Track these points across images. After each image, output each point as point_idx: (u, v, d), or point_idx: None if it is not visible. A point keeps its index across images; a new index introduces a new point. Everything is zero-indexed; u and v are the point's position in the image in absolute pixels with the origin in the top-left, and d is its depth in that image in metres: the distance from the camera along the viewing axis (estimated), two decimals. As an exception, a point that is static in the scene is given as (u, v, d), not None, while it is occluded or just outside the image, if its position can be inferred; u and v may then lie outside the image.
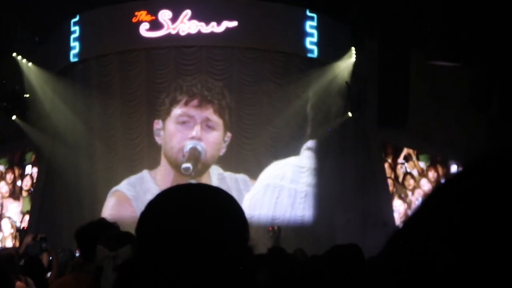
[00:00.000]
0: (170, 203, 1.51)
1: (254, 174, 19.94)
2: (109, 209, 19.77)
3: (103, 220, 4.44)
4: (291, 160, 20.00)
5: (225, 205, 1.52)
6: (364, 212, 20.16)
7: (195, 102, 19.71)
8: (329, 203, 19.89)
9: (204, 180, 19.53)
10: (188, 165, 19.34)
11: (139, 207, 19.72)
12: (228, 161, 19.87)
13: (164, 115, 19.83)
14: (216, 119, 19.72)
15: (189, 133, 19.49)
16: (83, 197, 20.22)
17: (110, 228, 4.20)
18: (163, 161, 19.86)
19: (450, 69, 19.34)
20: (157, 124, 19.87)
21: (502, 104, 18.83)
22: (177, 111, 19.72)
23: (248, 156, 19.99)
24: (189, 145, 19.49)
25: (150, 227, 1.49)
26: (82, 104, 20.63)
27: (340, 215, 19.58)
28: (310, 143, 20.26)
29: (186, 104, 19.73)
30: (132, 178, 19.99)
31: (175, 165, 19.52)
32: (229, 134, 19.85)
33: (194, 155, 19.42)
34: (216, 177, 19.71)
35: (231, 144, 19.95)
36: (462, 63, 18.88)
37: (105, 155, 20.33)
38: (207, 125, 19.68)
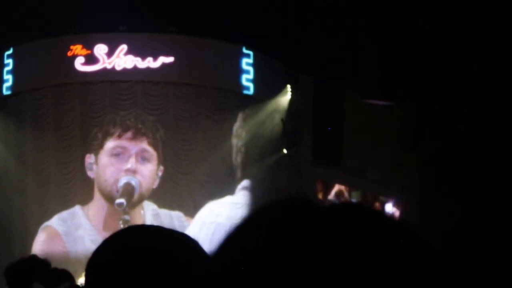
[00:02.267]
0: (122, 251, 1.46)
1: (188, 210, 19.82)
2: (39, 245, 19.39)
3: (35, 257, 4.33)
4: (226, 199, 19.96)
5: (185, 248, 1.48)
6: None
7: (129, 134, 19.58)
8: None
9: (137, 215, 19.36)
10: (122, 200, 19.14)
11: (70, 242, 19.43)
12: (163, 197, 19.73)
13: (96, 149, 19.62)
14: (151, 151, 19.61)
15: (123, 165, 19.31)
16: (13, 232, 19.83)
17: (42, 265, 4.09)
18: (96, 196, 19.62)
19: (385, 108, 19.66)
20: (89, 158, 19.64)
21: (434, 144, 19.19)
22: (110, 144, 19.54)
23: (182, 192, 19.90)
24: (123, 180, 19.31)
25: (98, 276, 1.45)
26: (14, 137, 20.29)
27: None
28: (244, 182, 20.25)
29: (119, 136, 19.58)
30: (64, 213, 19.69)
31: (109, 199, 19.31)
32: (161, 168, 19.73)
33: (128, 190, 19.23)
34: (150, 213, 19.55)
35: (165, 179, 19.82)
36: (396, 102, 19.20)
37: (37, 190, 19.99)
38: (142, 157, 19.54)
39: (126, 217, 19.20)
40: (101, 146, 19.61)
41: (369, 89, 19.17)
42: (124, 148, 19.50)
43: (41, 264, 4.10)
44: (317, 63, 19.68)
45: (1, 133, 20.42)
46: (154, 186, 19.67)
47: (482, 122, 18.19)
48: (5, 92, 20.66)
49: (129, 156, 19.39)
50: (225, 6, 18.74)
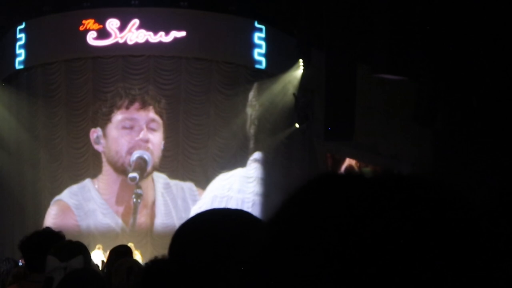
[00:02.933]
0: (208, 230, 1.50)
1: (201, 184, 19.91)
2: (52, 218, 19.55)
3: (49, 230, 4.33)
4: (238, 172, 20.00)
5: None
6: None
7: (136, 105, 19.65)
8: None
9: (149, 188, 19.46)
10: (134, 174, 19.27)
11: (81, 216, 19.57)
12: (175, 171, 19.81)
13: (104, 122, 19.70)
14: (158, 120, 19.72)
15: (134, 136, 19.43)
16: (27, 206, 19.96)
17: (56, 238, 4.11)
18: (106, 169, 19.73)
19: (397, 83, 19.57)
20: (95, 132, 19.74)
21: (446, 119, 19.11)
22: (118, 116, 19.61)
23: (195, 166, 19.97)
24: (135, 154, 19.41)
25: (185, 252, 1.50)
26: (26, 112, 20.39)
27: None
28: (256, 155, 20.28)
29: (127, 108, 19.65)
30: (74, 187, 19.81)
31: (122, 171, 19.46)
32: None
33: (141, 164, 19.33)
34: (161, 185, 19.64)
35: (177, 153, 19.90)
36: (408, 77, 19.12)
37: (49, 164, 20.10)
38: (151, 127, 19.65)
39: (139, 191, 19.32)
40: (109, 119, 19.69)
41: (381, 63, 19.10)
42: (133, 119, 19.59)
43: (55, 237, 4.10)
44: (329, 37, 19.60)
45: (14, 107, 20.49)
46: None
47: (495, 96, 18.11)
48: (18, 66, 20.73)
49: (139, 127, 19.49)
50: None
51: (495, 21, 16.24)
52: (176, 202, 19.61)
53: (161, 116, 19.77)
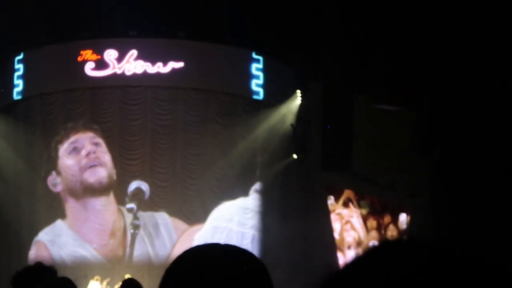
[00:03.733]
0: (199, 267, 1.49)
1: (198, 215, 19.83)
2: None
3: (40, 265, 4.31)
4: (238, 202, 19.95)
5: (253, 269, 1.50)
6: (307, 258, 20.10)
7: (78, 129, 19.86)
8: (274, 248, 19.72)
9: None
10: (132, 205, 19.24)
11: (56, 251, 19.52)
12: (172, 202, 19.74)
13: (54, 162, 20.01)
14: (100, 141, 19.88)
15: (82, 156, 19.62)
16: (23, 236, 19.86)
17: (47, 272, 4.09)
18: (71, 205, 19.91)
19: (395, 114, 19.61)
20: (51, 178, 19.86)
21: (445, 149, 19.11)
22: (64, 146, 19.84)
23: (192, 197, 19.90)
24: (133, 185, 19.40)
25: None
26: (24, 142, 20.38)
27: (284, 260, 19.41)
28: (257, 185, 20.26)
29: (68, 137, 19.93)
30: (47, 229, 19.88)
31: (83, 192, 19.61)
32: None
33: (138, 196, 19.32)
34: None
35: (175, 184, 19.86)
36: (406, 107, 19.16)
37: (46, 194, 20.01)
38: (94, 142, 19.78)
39: (137, 222, 19.24)
40: (56, 155, 19.88)
41: (379, 94, 19.17)
42: (76, 141, 19.81)
43: (47, 271, 4.09)
44: (327, 68, 19.66)
45: (12, 137, 20.49)
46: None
47: (492, 127, 18.12)
48: (16, 97, 20.75)
49: (82, 145, 19.69)
50: (234, 12, 18.75)
51: (493, 52, 16.30)
52: (149, 231, 19.66)
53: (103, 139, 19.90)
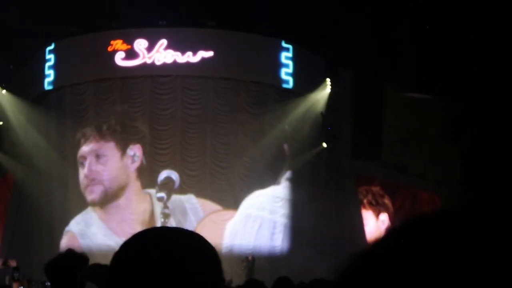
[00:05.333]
0: (145, 248, 1.50)
1: (228, 203, 19.88)
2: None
3: (72, 252, 4.34)
4: (269, 190, 19.98)
5: (201, 250, 1.51)
6: (339, 244, 20.09)
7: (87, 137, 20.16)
8: (303, 235, 19.76)
9: (143, 207, 19.51)
10: (162, 194, 19.32)
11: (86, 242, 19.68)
12: (203, 190, 19.80)
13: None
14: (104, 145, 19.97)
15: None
16: (55, 226, 20.03)
17: (80, 260, 4.13)
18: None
19: (425, 102, 19.50)
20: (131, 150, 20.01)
21: (475, 137, 18.99)
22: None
23: (222, 185, 19.93)
24: (163, 174, 19.49)
25: (124, 272, 1.49)
26: (55, 132, 20.53)
27: (314, 247, 19.44)
28: (289, 174, 20.26)
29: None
30: (79, 217, 20.04)
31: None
32: (135, 146, 19.96)
33: (168, 185, 19.41)
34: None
35: (205, 173, 19.90)
36: (435, 95, 19.05)
37: (77, 185, 20.15)
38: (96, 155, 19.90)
39: (166, 211, 19.32)
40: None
41: (408, 82, 19.08)
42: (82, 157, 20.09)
43: (79, 259, 4.12)
44: (356, 57, 19.61)
45: (43, 127, 20.64)
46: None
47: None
48: (47, 87, 20.91)
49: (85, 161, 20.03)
50: (264, 1, 18.74)
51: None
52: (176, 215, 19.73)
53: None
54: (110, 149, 19.90)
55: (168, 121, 20.07)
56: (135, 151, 19.89)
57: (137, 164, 19.88)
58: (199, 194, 19.78)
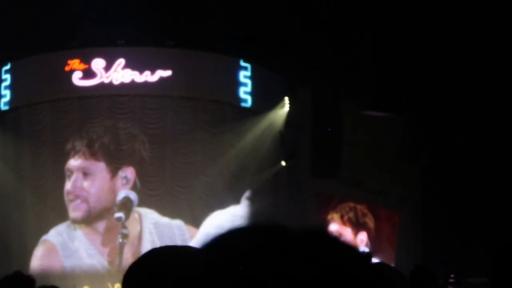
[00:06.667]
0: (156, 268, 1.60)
1: (188, 223, 19.79)
2: (38, 260, 19.39)
3: (19, 273, 4.26)
4: (230, 210, 19.92)
5: None
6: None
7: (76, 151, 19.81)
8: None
9: (134, 224, 19.33)
10: (120, 214, 19.17)
11: (66, 256, 19.38)
12: (162, 211, 19.68)
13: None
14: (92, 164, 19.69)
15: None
16: (12, 248, 19.75)
17: (26, 282, 4.05)
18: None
19: (383, 119, 19.62)
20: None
21: (433, 155, 19.13)
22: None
23: (182, 205, 19.84)
24: (121, 194, 19.34)
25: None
26: (12, 152, 20.29)
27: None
28: (248, 193, 20.23)
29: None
30: (60, 227, 19.67)
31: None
32: (127, 169, 19.71)
33: (126, 205, 19.25)
34: (150, 221, 19.49)
35: (164, 192, 19.79)
36: (394, 113, 19.17)
37: (35, 205, 19.92)
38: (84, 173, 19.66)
39: (125, 231, 19.18)
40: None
41: (366, 100, 19.17)
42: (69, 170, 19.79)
43: (25, 281, 4.04)
44: (315, 75, 19.68)
45: (0, 148, 20.40)
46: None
47: (481, 132, 18.15)
48: (3, 107, 20.68)
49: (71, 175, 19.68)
50: (222, 20, 18.75)
51: (482, 56, 16.31)
52: (163, 240, 19.48)
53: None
54: (99, 169, 19.63)
55: (126, 141, 19.94)
56: (127, 173, 19.67)
57: (128, 186, 19.64)
58: (161, 213, 19.66)
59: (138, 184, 19.61)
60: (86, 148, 19.62)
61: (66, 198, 19.52)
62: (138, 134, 19.88)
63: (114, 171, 19.60)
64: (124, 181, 19.59)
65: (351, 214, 21.40)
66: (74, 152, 19.64)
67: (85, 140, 19.69)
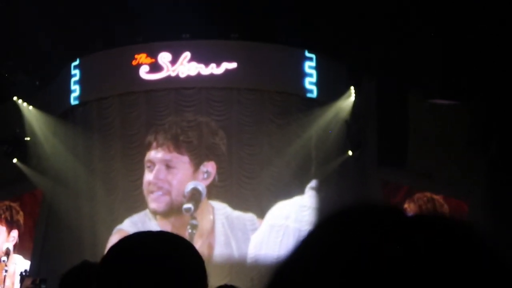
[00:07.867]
0: (134, 251, 1.55)
1: (255, 214, 19.90)
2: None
3: (87, 263, 4.27)
4: (295, 200, 19.95)
5: (187, 255, 1.55)
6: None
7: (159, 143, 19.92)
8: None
9: (205, 216, 19.46)
10: (189, 205, 19.33)
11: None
12: (229, 202, 19.82)
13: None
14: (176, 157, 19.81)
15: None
16: (84, 240, 20.11)
17: (95, 270, 4.10)
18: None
19: (450, 108, 19.38)
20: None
21: (502, 144, 18.83)
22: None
23: (249, 196, 19.95)
24: (190, 185, 19.51)
25: (112, 273, 1.54)
26: (82, 146, 20.69)
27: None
28: (313, 183, 20.23)
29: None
30: (135, 217, 19.94)
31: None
32: (209, 164, 19.80)
33: (195, 196, 19.42)
34: (221, 213, 19.62)
35: (231, 184, 19.93)
36: (461, 101, 18.92)
37: (106, 197, 20.28)
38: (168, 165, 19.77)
39: (194, 221, 19.35)
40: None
41: (433, 88, 18.98)
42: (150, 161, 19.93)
43: (94, 269, 4.07)
44: (380, 64, 19.56)
45: (70, 142, 20.81)
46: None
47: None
48: (73, 102, 21.09)
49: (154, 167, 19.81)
50: (286, 11, 18.78)
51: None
52: (235, 232, 19.63)
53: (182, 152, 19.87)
54: (182, 162, 19.86)
55: (207, 135, 20.09)
56: (208, 167, 19.85)
57: (209, 180, 19.83)
58: (229, 205, 19.81)
59: (216, 178, 19.78)
60: (170, 142, 19.83)
61: (146, 188, 19.74)
62: (217, 129, 20.00)
63: (197, 165, 19.80)
64: (206, 175, 19.78)
65: (429, 205, 21.20)
66: (156, 144, 19.86)
67: (168, 133, 19.90)
